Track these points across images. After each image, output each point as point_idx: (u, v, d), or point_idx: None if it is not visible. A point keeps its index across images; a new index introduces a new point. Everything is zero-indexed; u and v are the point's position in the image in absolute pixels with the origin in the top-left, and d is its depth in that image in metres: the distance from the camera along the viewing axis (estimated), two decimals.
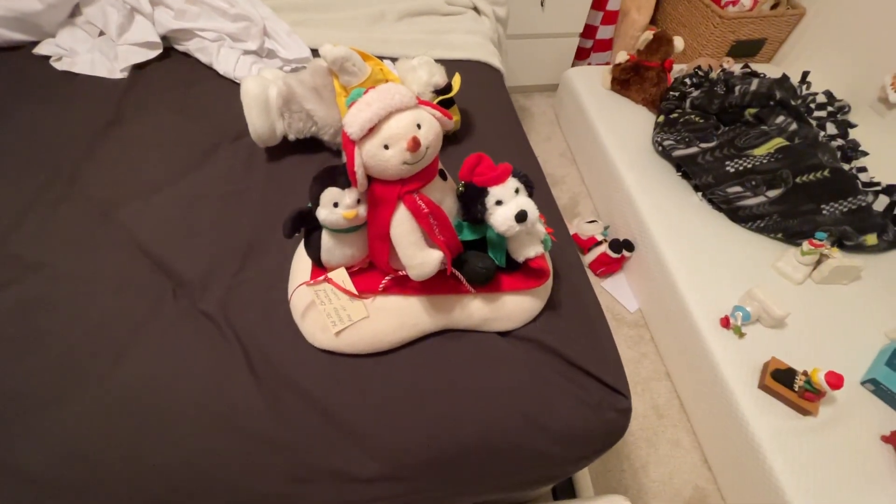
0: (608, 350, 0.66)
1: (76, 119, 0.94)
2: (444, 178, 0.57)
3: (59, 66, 1.04)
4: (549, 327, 0.65)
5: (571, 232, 1.55)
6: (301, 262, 0.65)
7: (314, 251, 0.59)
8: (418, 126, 0.49)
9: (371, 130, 0.47)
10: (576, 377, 0.62)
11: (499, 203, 0.54)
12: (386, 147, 0.48)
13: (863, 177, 1.32)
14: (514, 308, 0.63)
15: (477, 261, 0.58)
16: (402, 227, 0.52)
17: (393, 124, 0.48)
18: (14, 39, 1.08)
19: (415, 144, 0.47)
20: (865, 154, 1.40)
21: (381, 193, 0.51)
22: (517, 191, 0.55)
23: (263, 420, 0.57)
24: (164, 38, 1.08)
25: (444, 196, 0.55)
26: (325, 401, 0.58)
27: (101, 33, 1.08)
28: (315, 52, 1.09)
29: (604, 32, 2.04)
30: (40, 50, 1.06)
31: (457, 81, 0.86)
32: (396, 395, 0.59)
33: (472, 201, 0.54)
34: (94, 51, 1.05)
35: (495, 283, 0.62)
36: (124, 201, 0.79)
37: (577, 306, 0.69)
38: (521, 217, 0.52)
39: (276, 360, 0.61)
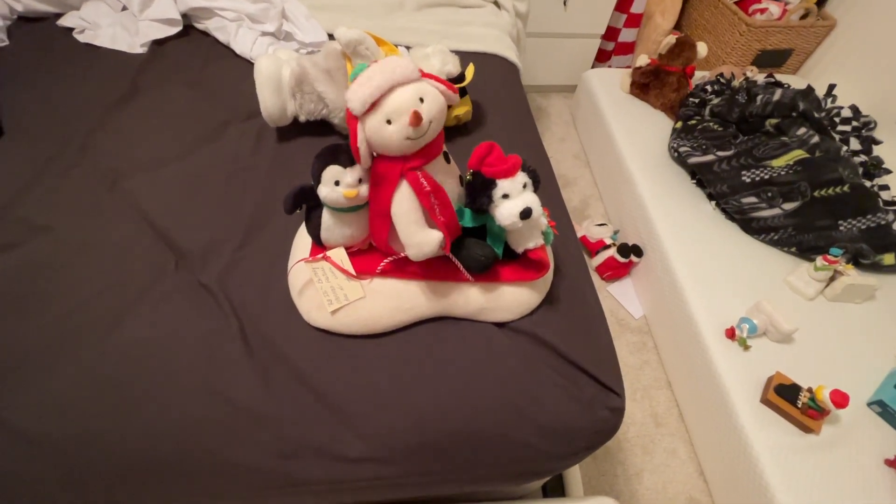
0: (604, 348, 0.65)
1: (93, 90, 0.95)
2: (447, 160, 0.56)
3: (81, 38, 1.06)
4: (546, 321, 0.64)
5: (580, 234, 1.54)
6: (302, 240, 0.65)
7: (314, 229, 0.59)
8: (421, 100, 0.48)
9: (373, 105, 0.47)
10: (569, 373, 0.61)
11: (505, 196, 0.53)
12: (388, 122, 0.47)
13: (884, 195, 1.29)
14: (511, 299, 0.62)
15: (476, 248, 0.57)
16: (404, 205, 0.51)
17: (395, 98, 0.47)
18: (40, 10, 1.10)
19: (416, 119, 0.46)
20: (888, 172, 1.36)
21: (383, 170, 0.51)
22: (524, 186, 0.54)
23: (254, 393, 0.57)
24: (184, 15, 1.09)
25: (446, 178, 0.55)
26: (316, 378, 0.58)
27: (124, 8, 1.10)
28: (332, 37, 1.09)
29: (626, 35, 2.02)
30: (64, 22, 1.08)
31: (470, 71, 0.85)
32: (388, 378, 0.59)
33: (479, 191, 0.54)
34: (116, 25, 1.07)
35: (494, 272, 0.61)
36: (133, 172, 0.80)
37: (576, 303, 0.68)
38: (526, 214, 0.52)
39: (270, 335, 0.61)
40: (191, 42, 1.10)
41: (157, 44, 1.07)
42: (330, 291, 0.59)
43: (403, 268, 0.60)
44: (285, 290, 0.64)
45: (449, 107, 0.74)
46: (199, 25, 1.11)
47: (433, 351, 0.61)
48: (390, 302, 0.60)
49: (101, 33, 1.06)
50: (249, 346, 0.61)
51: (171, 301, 0.64)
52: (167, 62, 1.04)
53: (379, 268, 0.59)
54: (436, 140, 0.52)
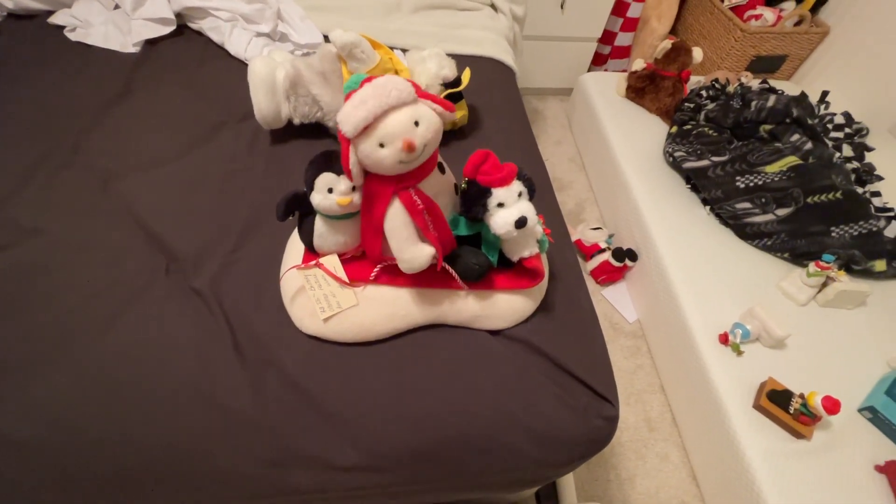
0: (599, 356, 0.65)
1: (85, 90, 0.94)
2: (442, 171, 0.55)
3: (72, 36, 1.05)
4: (541, 329, 0.64)
5: (575, 238, 1.54)
6: (295, 246, 0.65)
7: (307, 236, 0.59)
8: (416, 123, 0.47)
9: (366, 129, 0.45)
10: (563, 381, 0.61)
11: (500, 205, 0.53)
12: (381, 146, 0.46)
13: (876, 201, 1.30)
14: (505, 307, 0.62)
15: (471, 257, 0.57)
16: (396, 221, 0.51)
17: (389, 123, 0.45)
18: (31, 7, 1.08)
19: (410, 147, 0.45)
20: (880, 179, 1.37)
21: (376, 188, 0.50)
22: (520, 194, 0.53)
23: (245, 400, 0.57)
24: (178, 15, 1.08)
25: (440, 190, 0.54)
26: (308, 386, 0.58)
27: (117, 6, 1.09)
28: (328, 39, 1.09)
29: (622, 39, 2.02)
30: (55, 19, 1.07)
31: (466, 75, 0.85)
32: (381, 386, 0.59)
33: (474, 200, 0.53)
34: (109, 23, 1.06)
35: (488, 280, 0.61)
36: (126, 173, 0.79)
37: (571, 310, 0.68)
38: (521, 223, 0.52)
39: (262, 341, 0.61)
40: (185, 42, 1.08)
41: (150, 43, 1.06)
42: (322, 299, 0.58)
43: (397, 275, 0.59)
44: (278, 296, 0.64)
45: None
46: (192, 25, 1.10)
47: (427, 359, 0.61)
48: (384, 309, 0.60)
49: (93, 32, 1.05)
50: (241, 352, 0.60)
51: (162, 306, 0.63)
52: (161, 62, 1.03)
53: (372, 275, 0.59)
54: (430, 159, 0.52)
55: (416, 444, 0.57)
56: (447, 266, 0.57)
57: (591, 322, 0.69)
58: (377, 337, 0.61)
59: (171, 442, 0.55)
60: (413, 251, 0.51)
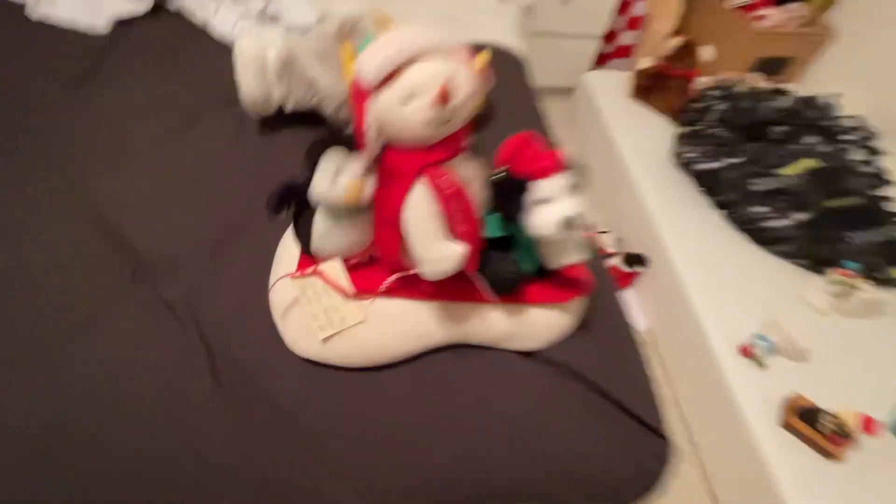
0: (643, 381, 0.58)
1: (48, 74, 0.87)
2: (471, 157, 0.47)
3: (34, 15, 0.95)
4: (578, 349, 0.57)
5: None
6: (288, 250, 0.57)
7: (304, 236, 0.50)
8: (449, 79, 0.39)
9: (389, 77, 0.38)
10: (608, 412, 0.53)
11: (543, 200, 0.44)
12: (407, 99, 0.38)
13: (891, 207, 1.27)
14: (540, 324, 0.54)
15: (502, 264, 0.48)
16: (419, 210, 0.42)
17: (419, 70, 0.38)
18: None
19: (444, 96, 0.37)
20: (891, 183, 1.34)
21: (396, 164, 0.42)
22: (567, 187, 0.45)
23: (224, 443, 0.49)
24: None
25: (470, 179, 0.45)
26: (303, 422, 0.50)
27: None
28: (323, 20, 1.01)
29: (625, 38, 2.01)
30: None
31: (482, 59, 0.78)
32: (391, 422, 0.51)
33: (512, 193, 0.45)
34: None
35: (520, 292, 0.53)
36: (91, 167, 0.73)
37: (607, 327, 0.61)
38: (571, 223, 0.43)
39: (246, 366, 0.53)
40: (160, 23, 1.01)
41: (123, 23, 0.98)
42: (321, 314, 0.51)
43: (413, 286, 0.51)
44: (266, 312, 0.56)
45: None
46: (170, 6, 1.01)
47: (447, 388, 0.53)
48: (396, 327, 0.52)
49: (58, 10, 0.96)
50: (220, 379, 0.52)
51: (127, 323, 0.56)
52: (133, 45, 0.96)
53: (384, 285, 0.51)
54: (460, 133, 0.43)
55: (432, 496, 0.49)
56: (475, 274, 0.48)
57: (628, 340, 0.62)
58: (388, 360, 0.53)
59: (137, 476, 0.47)
60: (441, 250, 0.43)
